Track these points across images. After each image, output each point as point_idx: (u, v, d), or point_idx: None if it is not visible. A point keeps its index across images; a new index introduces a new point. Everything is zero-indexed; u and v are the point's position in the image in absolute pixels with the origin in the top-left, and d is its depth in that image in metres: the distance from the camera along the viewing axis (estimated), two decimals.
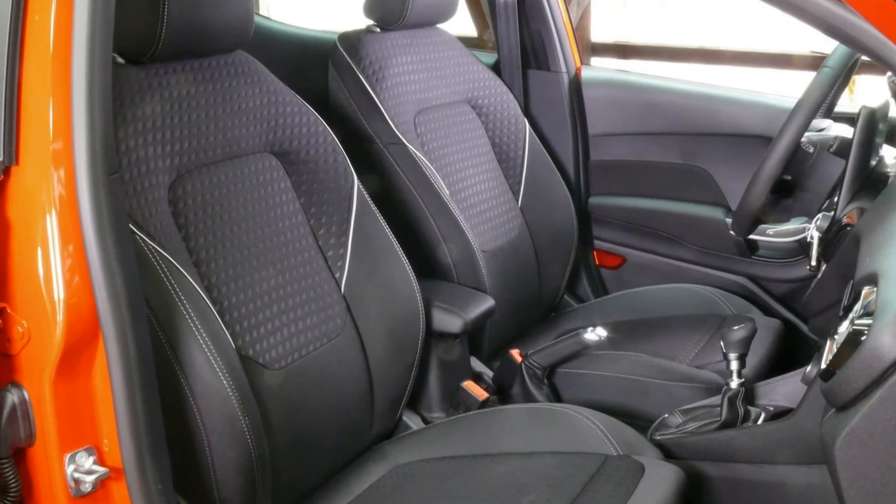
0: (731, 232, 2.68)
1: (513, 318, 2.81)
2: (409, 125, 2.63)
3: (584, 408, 2.14)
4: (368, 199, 2.24)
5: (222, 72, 2.04)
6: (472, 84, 2.90)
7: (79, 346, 1.44)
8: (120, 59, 1.87)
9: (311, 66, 2.79)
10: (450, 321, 2.37)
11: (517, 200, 2.89)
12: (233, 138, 2.02)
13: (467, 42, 3.03)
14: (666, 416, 2.24)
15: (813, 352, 1.92)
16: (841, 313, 1.60)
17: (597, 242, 3.22)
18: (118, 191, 1.51)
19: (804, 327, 2.82)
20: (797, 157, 2.51)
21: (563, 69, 3.13)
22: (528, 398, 2.46)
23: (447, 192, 2.62)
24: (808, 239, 2.28)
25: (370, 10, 2.68)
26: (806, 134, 2.51)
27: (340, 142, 2.23)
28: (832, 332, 1.57)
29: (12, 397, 1.44)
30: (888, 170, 2.24)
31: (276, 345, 1.97)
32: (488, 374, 2.60)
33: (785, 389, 2.16)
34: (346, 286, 2.14)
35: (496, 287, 2.66)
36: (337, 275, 2.14)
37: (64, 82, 1.40)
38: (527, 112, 3.08)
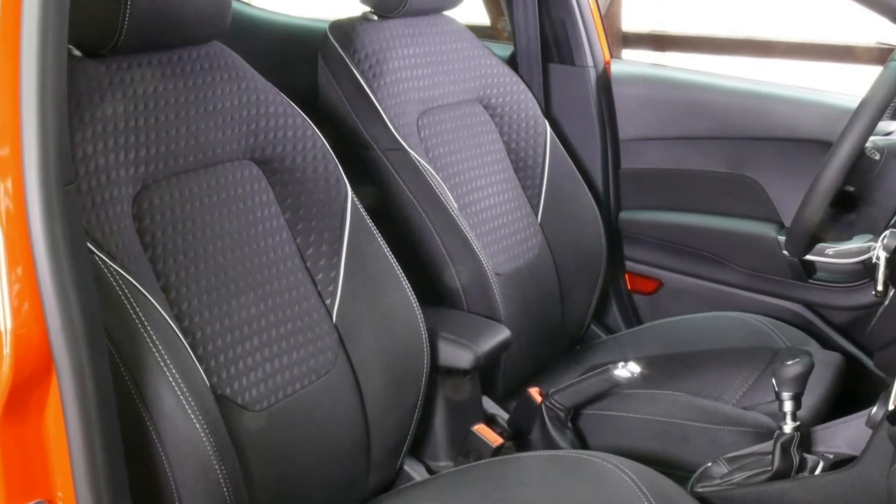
0: (785, 252, 2.67)
1: (532, 352, 2.81)
2: (411, 128, 2.64)
3: (613, 455, 2.13)
4: (364, 213, 2.24)
5: (195, 66, 2.05)
6: (484, 80, 2.90)
7: (29, 384, 1.44)
8: (76, 52, 1.88)
9: (298, 59, 2.81)
10: (459, 355, 2.37)
11: (537, 215, 2.90)
12: (207, 143, 2.03)
13: (479, 32, 3.04)
14: (709, 464, 2.23)
15: (879, 390, 1.91)
16: None
17: (628, 264, 3.23)
18: (74, 204, 1.51)
19: (869, 362, 2.82)
20: (861, 166, 2.51)
21: (590, 63, 3.15)
22: (550, 444, 2.46)
23: (455, 205, 2.62)
24: (874, 260, 2.27)
25: None
26: (871, 138, 2.50)
27: (332, 147, 2.23)
28: None
29: None
30: None
31: (256, 382, 1.97)
32: (503, 416, 2.60)
33: (847, 434, 2.15)
34: (338, 315, 2.14)
35: (512, 316, 2.66)
36: (328, 301, 2.14)
37: (11, 79, 1.40)
38: (547, 113, 3.09)
